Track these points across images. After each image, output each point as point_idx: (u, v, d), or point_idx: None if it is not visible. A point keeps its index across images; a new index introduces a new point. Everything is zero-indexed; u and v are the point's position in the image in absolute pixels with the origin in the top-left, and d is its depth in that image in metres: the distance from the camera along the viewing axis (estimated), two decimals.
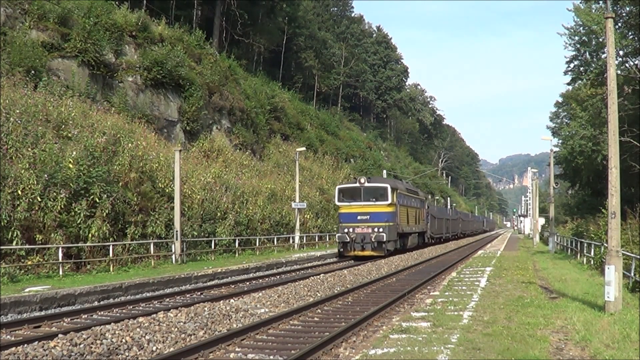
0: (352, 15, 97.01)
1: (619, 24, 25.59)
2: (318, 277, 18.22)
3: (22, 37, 24.41)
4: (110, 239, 18.75)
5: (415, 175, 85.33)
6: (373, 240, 26.66)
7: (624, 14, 25.66)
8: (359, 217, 27.28)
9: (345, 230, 27.28)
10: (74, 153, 18.55)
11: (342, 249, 27.73)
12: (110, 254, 18.11)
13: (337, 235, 28.91)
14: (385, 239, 26.67)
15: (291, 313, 11.59)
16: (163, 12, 39.81)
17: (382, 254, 26.86)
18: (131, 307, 12.91)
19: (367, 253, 26.84)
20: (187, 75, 33.23)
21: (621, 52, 25.42)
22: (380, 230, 26.80)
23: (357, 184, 28.25)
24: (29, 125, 18.60)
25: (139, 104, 29.91)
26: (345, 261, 27.12)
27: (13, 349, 8.26)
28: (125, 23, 31.56)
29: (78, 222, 17.64)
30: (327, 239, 37.99)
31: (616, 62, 20.63)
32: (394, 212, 28.27)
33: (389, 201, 27.53)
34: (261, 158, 41.24)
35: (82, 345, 8.45)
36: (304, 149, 38.03)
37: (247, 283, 17.83)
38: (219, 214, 26.06)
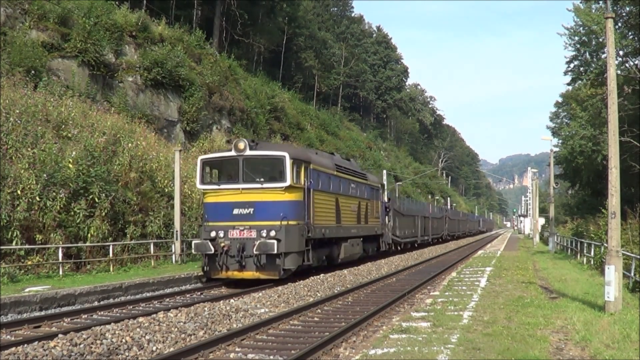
0: (352, 15, 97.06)
1: (619, 24, 25.62)
2: (318, 277, 18.22)
3: (22, 37, 24.39)
4: (110, 239, 18.75)
5: (415, 175, 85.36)
6: (255, 252, 15.58)
7: (624, 14, 25.70)
8: (235, 211, 16.38)
9: (212, 233, 16.28)
10: (74, 153, 18.55)
11: (207, 267, 16.54)
12: (110, 254, 18.11)
13: (193, 243, 17.52)
14: (279, 250, 15.61)
15: (291, 313, 11.60)
16: (163, 12, 39.79)
17: (276, 275, 16.00)
18: (131, 307, 12.92)
19: (248, 274, 16.04)
20: (187, 76, 33.22)
21: (621, 52, 25.44)
22: (272, 234, 15.76)
23: (233, 152, 16.84)
24: (29, 125, 18.59)
25: (139, 104, 29.90)
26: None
27: (13, 349, 8.25)
28: (125, 23, 31.54)
29: (77, 222, 17.65)
30: None
31: (616, 62, 20.65)
32: (299, 202, 16.90)
33: (288, 182, 16.26)
34: None
35: (82, 345, 8.45)
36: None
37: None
38: None
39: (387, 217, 29.38)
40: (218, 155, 18.10)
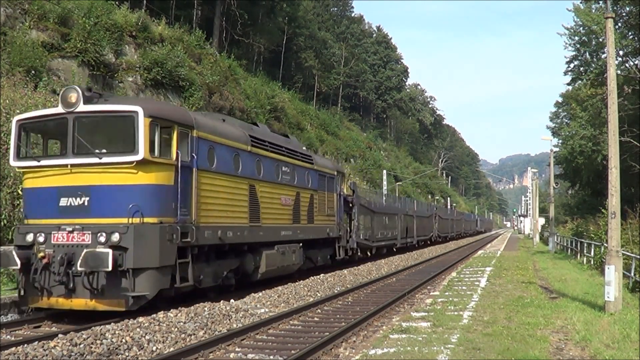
0: (352, 15, 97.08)
1: (619, 24, 25.65)
2: (318, 277, 18.22)
3: (22, 37, 24.39)
4: None
5: (415, 175, 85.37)
6: (80, 268, 9.77)
7: (624, 14, 25.74)
8: (63, 202, 10.60)
9: (28, 237, 10.65)
10: None
11: (22, 290, 10.70)
12: None
13: None
14: (123, 265, 10.08)
15: (291, 313, 11.61)
16: (163, 12, 39.80)
17: (122, 306, 10.21)
18: None
19: (79, 304, 10.26)
20: (187, 76, 33.23)
21: (621, 52, 25.47)
22: (114, 238, 10.05)
23: (61, 109, 10.78)
24: None
25: None
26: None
27: (13, 349, 8.25)
28: (125, 23, 31.55)
29: None
30: None
31: (616, 62, 20.66)
32: (165, 187, 10.89)
33: (141, 154, 10.34)
34: None
35: (82, 345, 8.45)
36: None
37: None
38: None
39: (350, 215, 23.30)
40: (40, 114, 11.66)
